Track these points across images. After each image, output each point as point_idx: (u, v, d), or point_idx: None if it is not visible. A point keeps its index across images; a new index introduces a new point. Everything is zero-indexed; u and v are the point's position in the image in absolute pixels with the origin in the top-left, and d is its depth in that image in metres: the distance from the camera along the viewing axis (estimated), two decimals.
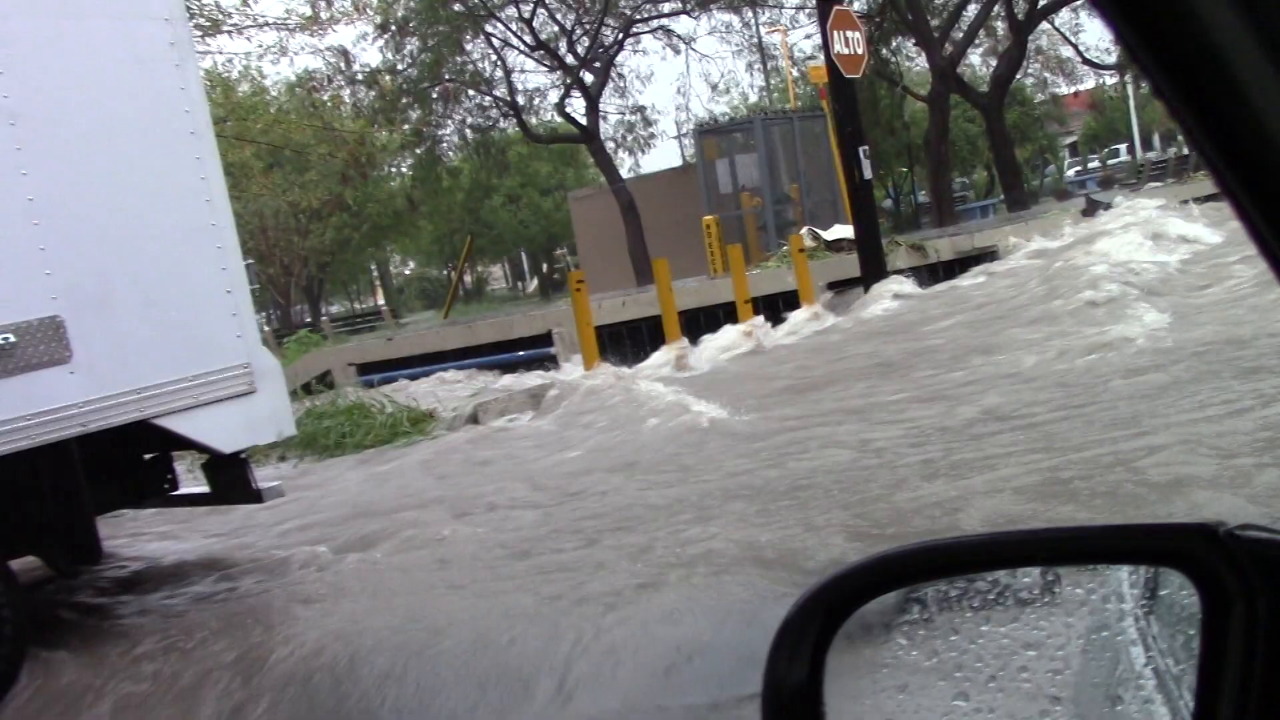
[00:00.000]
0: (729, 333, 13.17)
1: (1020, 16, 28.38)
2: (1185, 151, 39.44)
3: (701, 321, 15.80)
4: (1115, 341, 8.42)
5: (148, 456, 6.23)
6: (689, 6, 27.70)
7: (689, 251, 19.03)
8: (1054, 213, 17.67)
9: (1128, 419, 5.95)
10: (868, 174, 14.32)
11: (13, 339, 5.08)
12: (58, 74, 5.26)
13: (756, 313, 14.72)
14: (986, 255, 15.63)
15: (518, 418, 10.65)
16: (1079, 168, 58.51)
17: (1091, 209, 17.45)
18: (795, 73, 31.48)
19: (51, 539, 5.64)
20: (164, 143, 5.61)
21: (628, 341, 15.17)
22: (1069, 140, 61.01)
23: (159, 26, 5.66)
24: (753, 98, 33.86)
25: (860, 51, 14.26)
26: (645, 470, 7.12)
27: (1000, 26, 30.24)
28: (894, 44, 30.81)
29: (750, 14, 30.44)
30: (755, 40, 31.93)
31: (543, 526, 6.15)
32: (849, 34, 14.09)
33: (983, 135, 32.96)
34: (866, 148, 14.39)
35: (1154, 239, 13.71)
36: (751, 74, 33.48)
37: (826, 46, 14.02)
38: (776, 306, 15.67)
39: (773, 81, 31.36)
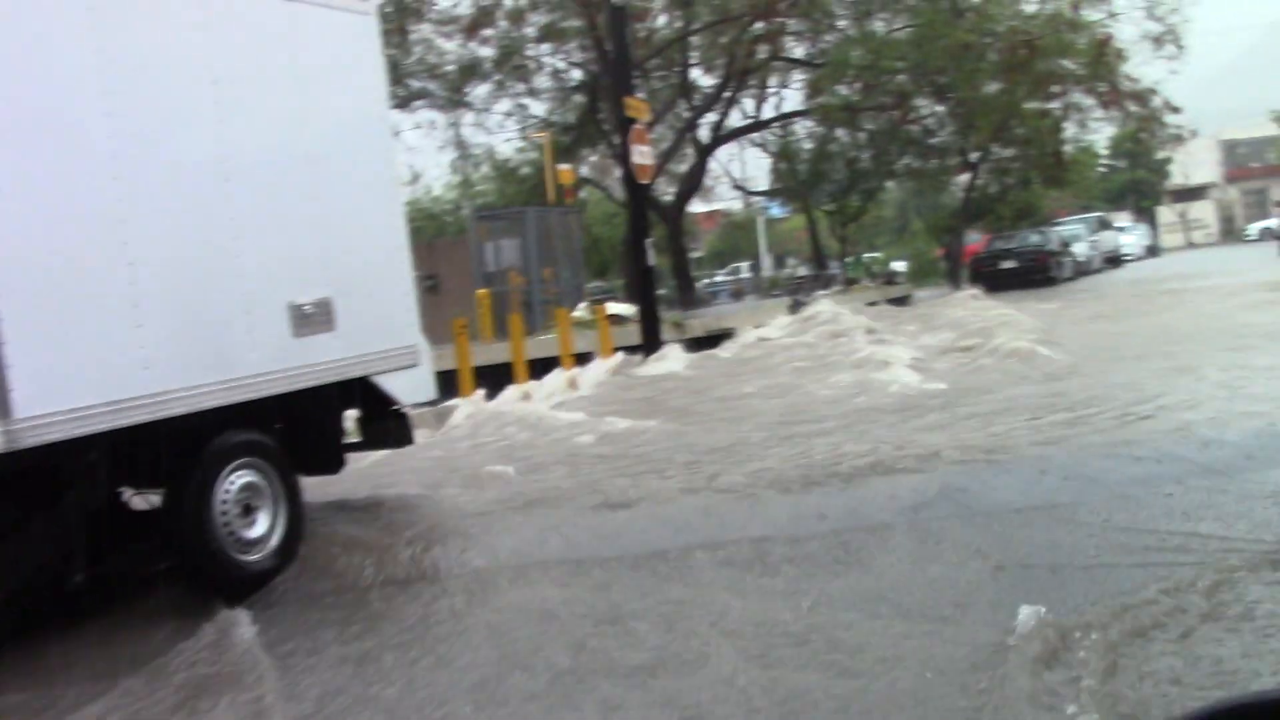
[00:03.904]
0: (555, 379, 16.05)
1: (705, 141, 33.30)
2: (800, 271, 46.59)
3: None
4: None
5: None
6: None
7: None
8: (767, 305, 21.90)
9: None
10: (651, 261, 17.70)
11: (309, 310, 7.34)
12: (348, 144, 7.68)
13: (531, 376, 17.64)
14: (728, 334, 19.46)
15: None
16: (706, 280, 65.41)
17: (796, 306, 21.84)
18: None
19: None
20: (387, 189, 8.06)
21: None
22: (695, 255, 68.08)
23: (379, 108, 8.14)
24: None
25: (651, 162, 17.74)
26: None
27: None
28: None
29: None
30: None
31: None
32: (642, 148, 17.54)
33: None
34: (651, 239, 17.80)
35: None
36: (461, 167, 36.52)
37: (626, 156, 17.39)
38: (548, 368, 18.65)
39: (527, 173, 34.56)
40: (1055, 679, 3.94)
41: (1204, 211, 67.51)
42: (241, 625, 5.90)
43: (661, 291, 28.47)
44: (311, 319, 7.31)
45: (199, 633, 5.78)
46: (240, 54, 6.92)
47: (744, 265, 64.58)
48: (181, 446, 6.38)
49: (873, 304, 24.33)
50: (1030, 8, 29.80)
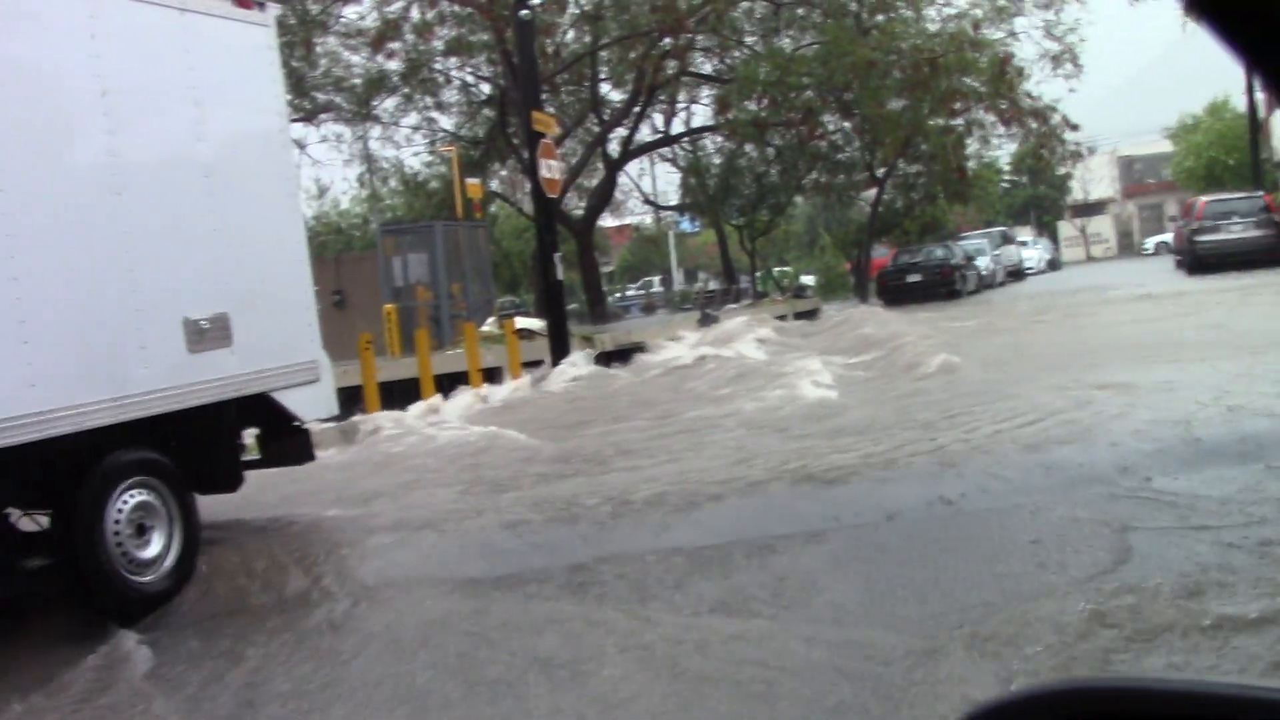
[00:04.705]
0: (461, 396, 15.94)
1: (615, 156, 33.36)
2: (711, 285, 46.94)
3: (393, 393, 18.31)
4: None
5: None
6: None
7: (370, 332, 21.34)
8: (678, 319, 21.97)
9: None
10: (560, 275, 17.67)
11: (205, 325, 7.20)
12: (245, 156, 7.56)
13: (439, 391, 17.43)
14: (638, 347, 19.49)
15: None
16: (618, 294, 65.63)
17: (706, 319, 21.95)
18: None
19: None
20: (286, 202, 7.95)
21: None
22: (606, 269, 68.18)
23: (278, 119, 8.03)
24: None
25: (559, 176, 17.71)
26: None
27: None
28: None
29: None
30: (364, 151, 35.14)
31: None
32: (550, 162, 17.52)
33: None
34: (560, 254, 17.77)
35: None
36: (369, 181, 36.16)
37: (534, 170, 17.36)
38: (456, 383, 18.49)
39: (434, 186, 34.12)
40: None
41: (1103, 226, 69.26)
42: (135, 648, 5.77)
43: (572, 306, 28.56)
44: (208, 335, 7.18)
45: (90, 657, 5.63)
46: (132, 64, 6.79)
47: (655, 279, 64.98)
48: (71, 465, 6.22)
49: (781, 317, 24.58)
50: (933, 27, 30.36)
